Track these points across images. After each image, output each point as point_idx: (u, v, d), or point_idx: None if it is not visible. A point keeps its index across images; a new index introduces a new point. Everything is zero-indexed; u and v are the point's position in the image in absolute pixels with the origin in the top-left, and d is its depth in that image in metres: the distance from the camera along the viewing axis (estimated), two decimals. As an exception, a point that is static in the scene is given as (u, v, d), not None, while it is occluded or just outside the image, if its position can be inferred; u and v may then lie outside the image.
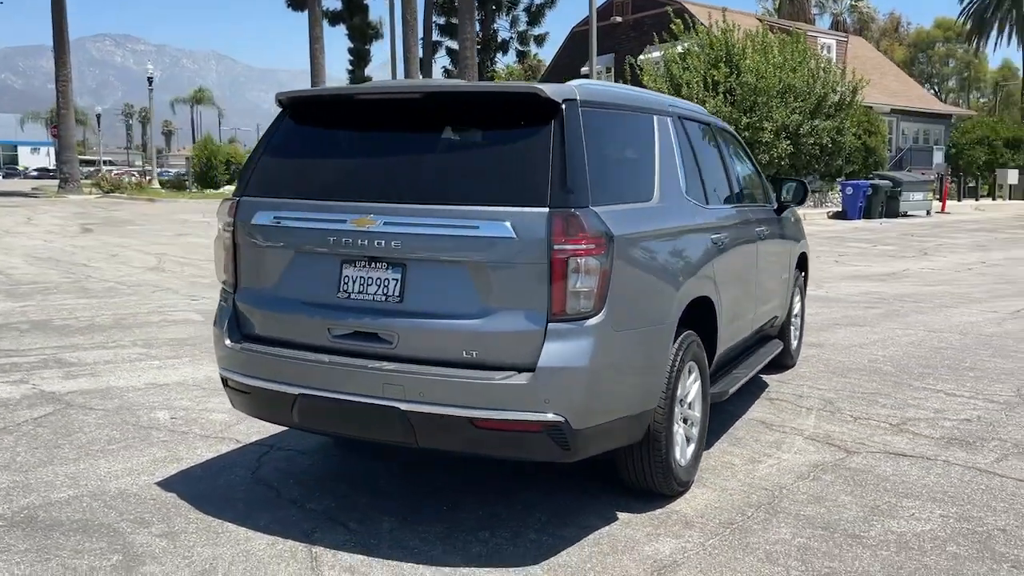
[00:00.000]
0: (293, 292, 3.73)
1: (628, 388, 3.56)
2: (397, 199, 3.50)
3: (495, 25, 45.63)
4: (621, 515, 3.92)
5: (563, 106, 3.43)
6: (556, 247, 3.24)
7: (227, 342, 3.87)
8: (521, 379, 3.26)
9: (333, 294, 3.62)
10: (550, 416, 3.24)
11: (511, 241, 3.28)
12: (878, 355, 7.38)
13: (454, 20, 46.21)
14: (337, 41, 40.31)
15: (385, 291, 3.51)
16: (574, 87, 3.60)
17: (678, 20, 28.20)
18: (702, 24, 27.73)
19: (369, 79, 47.85)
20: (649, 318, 3.70)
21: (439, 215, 3.39)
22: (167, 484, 4.26)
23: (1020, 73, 64.04)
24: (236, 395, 3.93)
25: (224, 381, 3.97)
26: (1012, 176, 38.32)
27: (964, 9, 57.37)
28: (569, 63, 45.81)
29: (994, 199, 38.76)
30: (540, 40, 46.89)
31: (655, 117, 4.27)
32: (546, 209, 3.27)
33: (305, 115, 3.98)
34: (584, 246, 3.25)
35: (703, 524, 3.84)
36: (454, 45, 46.16)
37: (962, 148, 39.54)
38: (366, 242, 3.49)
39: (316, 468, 4.54)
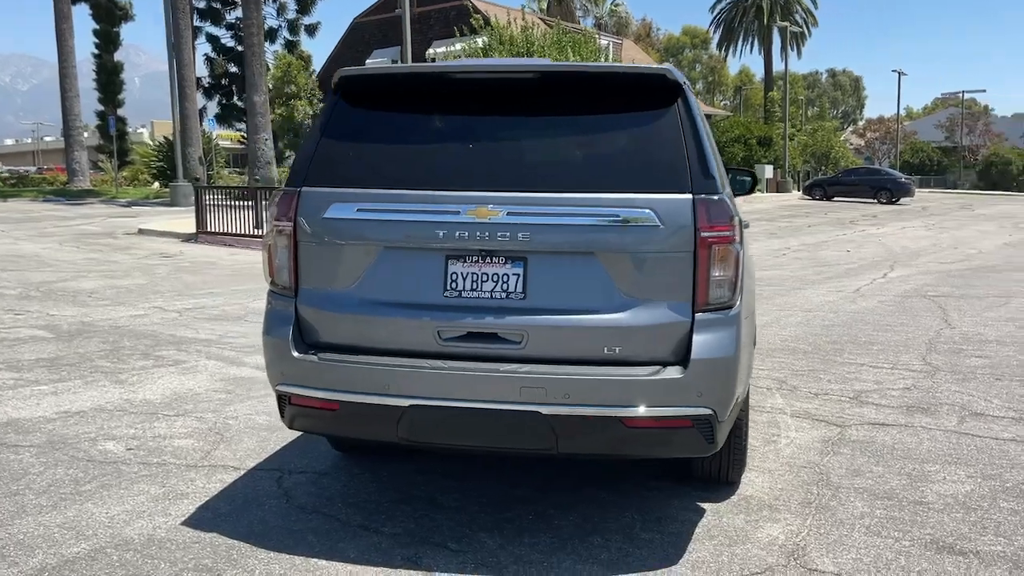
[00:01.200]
0: (383, 293, 3.32)
1: (745, 376, 3.53)
2: (516, 187, 3.22)
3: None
4: (706, 506, 3.89)
5: (683, 88, 3.32)
6: (703, 234, 3.14)
7: (295, 353, 3.37)
8: (674, 373, 3.12)
9: (439, 293, 3.27)
10: (703, 410, 3.14)
11: (655, 229, 3.13)
12: (784, 335, 7.89)
13: (215, 4, 43.73)
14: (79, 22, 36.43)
15: (505, 288, 3.22)
16: (673, 68, 3.49)
17: (477, 15, 28.51)
18: (495, 19, 28.15)
19: (120, 64, 44.05)
20: (752, 305, 3.69)
21: (573, 204, 3.16)
22: (196, 523, 3.66)
23: (757, 78, 71.17)
24: (306, 413, 3.42)
25: (284, 399, 3.44)
26: (768, 171, 42.68)
27: (714, 19, 62.90)
28: (350, 54, 44.82)
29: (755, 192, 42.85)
30: (311, 30, 45.09)
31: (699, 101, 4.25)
32: (689, 195, 3.15)
33: (382, 96, 3.53)
34: (726, 233, 3.18)
35: (786, 507, 3.90)
36: (215, 31, 44.01)
37: (723, 146, 43.31)
38: (487, 235, 3.18)
39: (354, 488, 4.09)
